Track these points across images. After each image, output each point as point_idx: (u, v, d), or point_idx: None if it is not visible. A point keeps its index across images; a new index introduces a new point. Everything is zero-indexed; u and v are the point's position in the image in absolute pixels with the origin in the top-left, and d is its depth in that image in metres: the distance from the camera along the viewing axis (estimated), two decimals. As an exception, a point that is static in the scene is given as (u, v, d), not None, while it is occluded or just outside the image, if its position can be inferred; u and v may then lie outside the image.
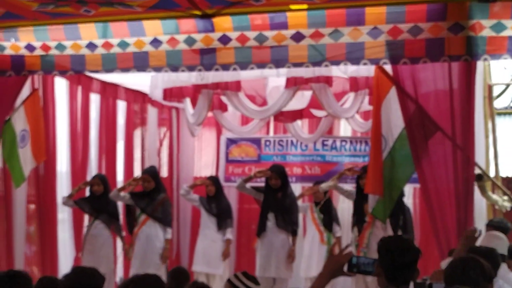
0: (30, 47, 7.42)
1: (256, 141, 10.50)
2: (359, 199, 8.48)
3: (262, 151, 10.47)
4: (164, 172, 10.92)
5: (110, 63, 7.13)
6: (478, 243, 5.88)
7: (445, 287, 4.11)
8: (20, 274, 4.53)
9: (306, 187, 9.96)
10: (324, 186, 9.15)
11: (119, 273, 9.80)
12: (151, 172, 9.13)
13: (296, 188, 10.03)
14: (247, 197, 9.95)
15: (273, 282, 8.87)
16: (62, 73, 7.67)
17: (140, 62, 7.04)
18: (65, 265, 9.04)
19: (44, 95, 8.84)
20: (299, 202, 9.51)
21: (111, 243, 8.97)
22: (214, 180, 9.61)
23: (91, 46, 7.11)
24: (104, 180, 9.07)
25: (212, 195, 9.40)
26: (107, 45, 7.06)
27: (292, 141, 10.34)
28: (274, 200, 8.87)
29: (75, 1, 5.82)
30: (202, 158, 11.40)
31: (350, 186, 9.30)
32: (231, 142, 10.54)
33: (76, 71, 7.50)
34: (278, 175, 8.89)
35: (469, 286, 3.94)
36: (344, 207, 10.15)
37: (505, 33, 6.08)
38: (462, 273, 3.97)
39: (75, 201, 8.98)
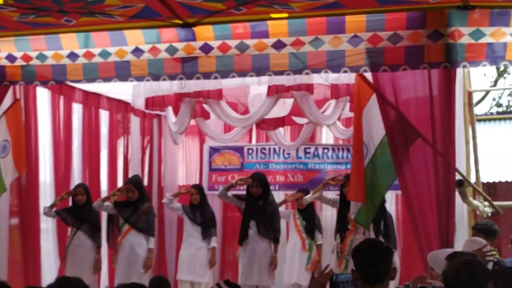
0: (11, 58, 7.40)
1: (239, 150, 10.53)
2: (343, 207, 8.52)
3: (245, 159, 10.49)
4: (146, 181, 10.90)
5: (92, 73, 7.13)
6: (460, 248, 5.93)
7: None
8: (1, 285, 4.51)
9: (289, 194, 9.98)
10: (309, 198, 9.20)
11: (104, 282, 9.77)
12: (134, 182, 9.13)
13: (279, 196, 10.06)
14: (231, 205, 9.96)
15: (256, 289, 8.89)
16: (44, 83, 7.66)
17: (121, 71, 7.04)
18: (48, 275, 9.01)
19: (26, 105, 8.81)
20: (282, 209, 9.54)
21: (94, 252, 8.95)
22: (198, 188, 9.64)
23: (73, 55, 7.11)
24: (87, 190, 9.06)
25: (197, 204, 9.42)
26: (89, 55, 7.06)
27: (274, 149, 10.38)
28: (256, 208, 8.89)
29: (56, 11, 5.81)
30: (186, 167, 11.40)
31: (333, 194, 9.34)
32: (214, 150, 10.56)
33: (58, 81, 7.49)
34: (259, 183, 8.91)
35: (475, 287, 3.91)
36: (327, 214, 10.19)
37: (484, 40, 6.13)
38: (468, 275, 3.92)
39: (57, 211, 8.95)
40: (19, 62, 7.30)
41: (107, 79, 7.23)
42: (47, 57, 7.15)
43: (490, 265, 5.77)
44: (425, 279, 6.05)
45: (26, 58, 7.24)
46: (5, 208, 8.63)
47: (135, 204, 8.96)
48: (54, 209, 8.92)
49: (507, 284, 3.65)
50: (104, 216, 9.35)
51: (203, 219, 9.39)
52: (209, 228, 9.37)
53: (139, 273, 8.78)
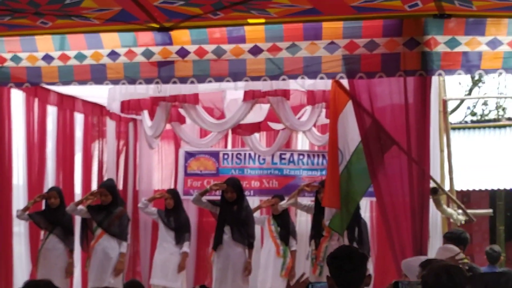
0: (-15, 59, 7.33)
1: (215, 155, 10.53)
2: (318, 213, 8.53)
3: (220, 165, 10.49)
4: (121, 185, 10.86)
5: (67, 75, 7.06)
6: (433, 256, 5.95)
7: None
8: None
9: (264, 199, 9.99)
10: (284, 204, 9.22)
11: (77, 286, 9.71)
12: (107, 186, 9.08)
13: (254, 201, 10.07)
14: (206, 210, 9.95)
15: (230, 295, 8.87)
16: (18, 85, 7.58)
17: (97, 74, 6.99)
18: (20, 278, 8.91)
19: (0, 107, 8.74)
20: (257, 214, 9.53)
21: (66, 256, 8.88)
22: (173, 193, 9.62)
23: (48, 58, 7.04)
24: (60, 193, 9.00)
25: (171, 208, 9.41)
26: (64, 57, 7.00)
27: (250, 155, 10.38)
28: (230, 213, 8.88)
29: (32, 13, 5.76)
30: (161, 171, 11.37)
31: (308, 200, 9.36)
32: (189, 155, 10.55)
33: (32, 83, 7.41)
34: (233, 188, 8.89)
35: None
36: (302, 220, 10.21)
37: (459, 49, 6.16)
38: (448, 279, 3.95)
39: (30, 214, 8.88)
40: (-8, 64, 7.23)
41: (82, 82, 7.17)
42: (21, 59, 7.08)
43: None
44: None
45: (0, 59, 7.17)
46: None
47: (109, 208, 8.91)
48: (27, 212, 8.86)
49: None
50: (78, 220, 9.30)
51: (177, 224, 9.38)
52: (182, 233, 9.36)
53: (111, 277, 8.73)
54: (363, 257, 4.30)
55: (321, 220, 8.26)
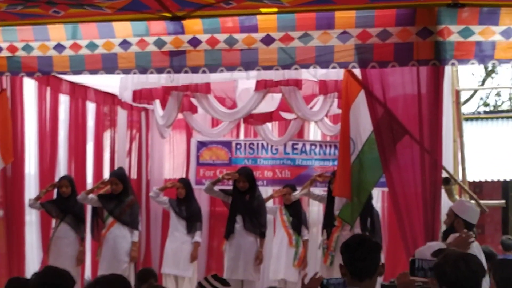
0: (-3, 48, 7.35)
1: (227, 144, 10.51)
2: (330, 203, 8.53)
3: (233, 154, 10.48)
4: (133, 174, 10.88)
5: (78, 65, 7.06)
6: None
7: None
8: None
9: (276, 189, 9.98)
10: (297, 194, 9.23)
11: (88, 275, 9.74)
12: (118, 175, 9.11)
13: (267, 191, 10.06)
14: (218, 200, 9.96)
15: (241, 284, 8.88)
16: (30, 74, 7.59)
17: (108, 64, 6.98)
18: (32, 266, 8.97)
19: (12, 96, 8.76)
20: (269, 204, 9.53)
21: (77, 244, 8.91)
22: (184, 182, 9.64)
23: (59, 47, 7.04)
24: (71, 182, 9.03)
25: (182, 198, 9.43)
26: (76, 47, 7.00)
27: (262, 145, 10.37)
28: (242, 202, 8.89)
29: (44, 2, 5.77)
30: (173, 161, 11.37)
31: (320, 190, 9.35)
32: (201, 145, 10.54)
33: (44, 72, 7.42)
34: (245, 178, 8.91)
35: (473, 281, 3.93)
36: (314, 210, 10.20)
37: (473, 39, 6.12)
38: (466, 268, 3.93)
39: (42, 203, 8.91)
40: (4, 53, 7.23)
41: (93, 71, 7.18)
42: (33, 48, 7.09)
43: (473, 248, 5.85)
44: (408, 275, 6.06)
45: (12, 49, 7.17)
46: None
47: (120, 197, 8.94)
48: (39, 202, 8.89)
49: (504, 274, 3.71)
50: (89, 208, 9.32)
51: (188, 213, 9.40)
52: (194, 223, 9.37)
53: (124, 266, 8.77)
54: (377, 246, 4.32)
55: (333, 210, 8.25)
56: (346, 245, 4.28)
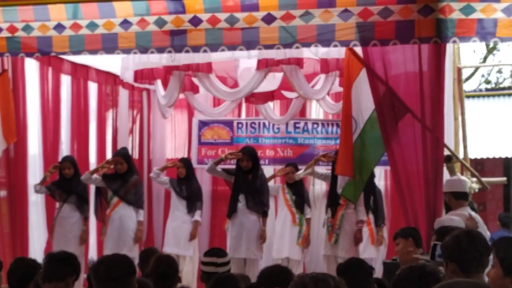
0: (-4, 29, 7.33)
1: (229, 124, 10.50)
2: (334, 182, 8.53)
3: (234, 134, 10.47)
4: (135, 154, 10.89)
5: (78, 45, 7.04)
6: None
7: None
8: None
9: (278, 168, 9.99)
10: (301, 174, 9.25)
11: (92, 254, 9.79)
12: (123, 154, 9.12)
13: (269, 170, 10.07)
14: (220, 179, 9.96)
15: (244, 263, 8.91)
16: (29, 55, 7.56)
17: (108, 44, 6.95)
18: (37, 246, 9.03)
19: (14, 76, 8.76)
20: (271, 183, 9.55)
21: (81, 224, 8.94)
22: (185, 162, 9.65)
23: (59, 27, 7.02)
24: (74, 163, 9.04)
25: (183, 177, 9.44)
26: (76, 26, 6.97)
27: (264, 124, 10.36)
28: (245, 181, 8.90)
29: (44, -19, 5.77)
30: (175, 140, 11.38)
31: (324, 169, 9.37)
32: (203, 124, 10.53)
33: (43, 52, 7.39)
34: (249, 157, 8.92)
35: (476, 257, 3.97)
36: (317, 189, 10.21)
37: (474, 16, 6.10)
38: (468, 243, 3.97)
39: (46, 186, 8.92)
40: (4, 34, 7.21)
41: (93, 52, 7.15)
42: (33, 28, 7.07)
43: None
44: (411, 253, 6.11)
45: (12, 29, 7.16)
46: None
47: (124, 177, 8.96)
48: (44, 186, 8.89)
49: (508, 252, 3.75)
50: (92, 189, 9.34)
51: (189, 192, 9.42)
52: (194, 202, 9.39)
53: (129, 245, 8.81)
54: (369, 269, 4.70)
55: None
56: (346, 266, 4.72)
